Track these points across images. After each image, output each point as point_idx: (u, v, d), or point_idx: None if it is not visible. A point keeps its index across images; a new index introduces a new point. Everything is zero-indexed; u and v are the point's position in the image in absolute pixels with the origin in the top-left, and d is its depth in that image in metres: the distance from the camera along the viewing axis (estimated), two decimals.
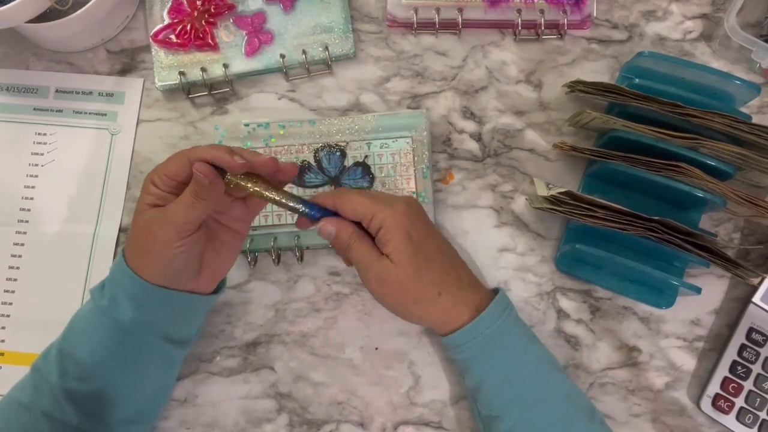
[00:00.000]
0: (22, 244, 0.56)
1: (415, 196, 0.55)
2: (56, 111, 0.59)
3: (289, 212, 0.50)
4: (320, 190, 0.55)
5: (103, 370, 0.44)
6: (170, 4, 0.58)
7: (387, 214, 0.44)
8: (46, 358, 0.45)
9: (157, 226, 0.42)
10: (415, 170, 0.56)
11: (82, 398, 0.43)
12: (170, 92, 0.59)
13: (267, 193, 0.44)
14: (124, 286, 0.44)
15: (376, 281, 0.45)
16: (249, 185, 0.43)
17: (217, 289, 0.49)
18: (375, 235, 0.45)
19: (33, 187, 0.57)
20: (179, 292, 0.45)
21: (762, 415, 0.50)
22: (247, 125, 0.56)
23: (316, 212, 0.45)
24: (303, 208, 0.45)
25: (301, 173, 0.55)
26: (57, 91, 0.59)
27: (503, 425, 0.44)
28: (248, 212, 0.48)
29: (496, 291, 0.48)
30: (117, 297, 0.44)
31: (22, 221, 0.57)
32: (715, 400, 0.51)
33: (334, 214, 0.46)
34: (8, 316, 0.55)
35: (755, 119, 0.56)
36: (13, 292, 0.55)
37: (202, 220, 0.43)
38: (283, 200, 0.44)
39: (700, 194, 0.48)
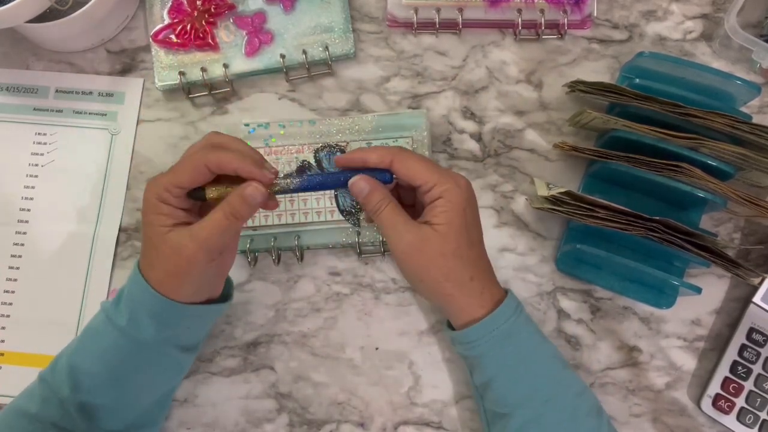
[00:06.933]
0: (22, 244, 0.56)
1: None
2: (56, 111, 0.59)
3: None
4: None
5: (117, 382, 0.44)
6: (170, 4, 0.58)
7: (450, 187, 0.43)
8: (54, 370, 0.44)
9: (188, 250, 0.41)
10: None
11: (95, 409, 0.43)
12: (170, 92, 0.59)
13: (287, 180, 0.43)
14: (146, 307, 0.43)
15: (410, 249, 0.44)
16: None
17: (228, 296, 0.49)
18: (428, 202, 0.44)
19: (33, 187, 0.57)
20: (202, 305, 0.45)
21: (762, 415, 0.50)
22: (247, 125, 0.56)
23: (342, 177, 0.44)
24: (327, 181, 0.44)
25: (301, 173, 0.55)
26: (57, 91, 0.59)
27: (513, 422, 0.44)
28: None
29: (504, 290, 0.47)
30: (138, 317, 0.43)
31: (22, 221, 0.56)
32: (716, 400, 0.51)
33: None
34: (8, 316, 0.55)
35: (756, 119, 0.56)
36: (13, 292, 0.55)
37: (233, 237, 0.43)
38: (299, 184, 0.44)
39: (700, 194, 0.48)
